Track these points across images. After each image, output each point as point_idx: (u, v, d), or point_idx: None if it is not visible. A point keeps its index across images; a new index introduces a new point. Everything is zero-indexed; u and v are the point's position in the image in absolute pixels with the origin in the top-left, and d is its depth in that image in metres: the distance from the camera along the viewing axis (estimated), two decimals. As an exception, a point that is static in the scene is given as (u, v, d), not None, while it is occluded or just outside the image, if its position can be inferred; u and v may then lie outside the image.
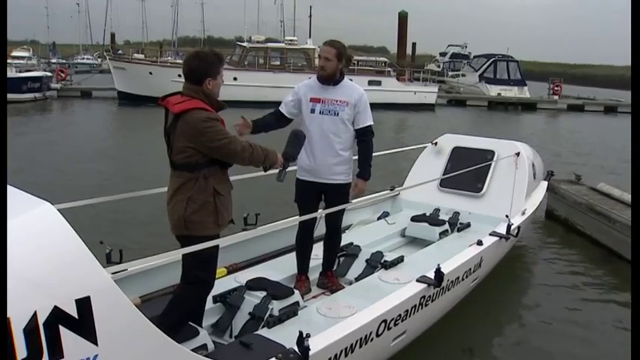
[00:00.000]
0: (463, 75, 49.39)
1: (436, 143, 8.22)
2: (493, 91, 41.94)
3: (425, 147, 8.37)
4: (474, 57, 52.70)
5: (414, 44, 75.19)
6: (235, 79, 30.07)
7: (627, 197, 9.06)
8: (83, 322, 2.45)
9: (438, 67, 61.98)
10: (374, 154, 5.21)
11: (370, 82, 31.50)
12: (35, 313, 2.30)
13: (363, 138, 5.07)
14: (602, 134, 25.97)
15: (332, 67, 4.89)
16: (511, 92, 41.82)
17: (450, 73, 55.09)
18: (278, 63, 34.85)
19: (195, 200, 3.66)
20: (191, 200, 3.66)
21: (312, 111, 4.96)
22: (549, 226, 9.82)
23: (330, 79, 4.94)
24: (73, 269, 2.47)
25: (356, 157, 5.15)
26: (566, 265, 8.04)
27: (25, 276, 2.30)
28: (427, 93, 36.98)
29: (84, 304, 2.45)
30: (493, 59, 44.22)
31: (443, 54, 71.25)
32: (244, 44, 35.67)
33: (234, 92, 26.49)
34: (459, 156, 7.80)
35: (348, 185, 5.12)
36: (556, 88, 41.55)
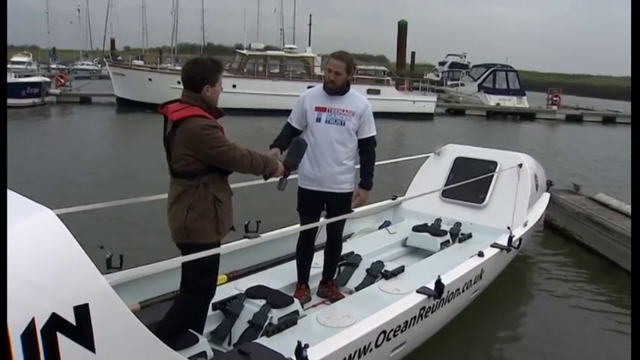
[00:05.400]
0: (462, 84, 49.35)
1: (439, 153, 8.20)
2: (492, 100, 41.89)
3: (427, 157, 8.37)
4: (473, 67, 52.68)
5: (413, 53, 75.52)
6: (234, 86, 30.03)
7: (625, 207, 9.08)
8: (81, 329, 2.44)
9: (437, 76, 61.98)
10: (377, 162, 5.23)
11: (369, 91, 31.29)
12: (33, 319, 2.28)
13: (366, 148, 5.08)
14: (601, 144, 26.00)
15: (342, 80, 4.90)
16: (510, 102, 41.81)
17: (449, 83, 55.04)
18: (277, 71, 34.83)
19: (196, 208, 3.65)
20: (191, 208, 3.65)
21: (318, 120, 4.94)
22: (548, 236, 9.80)
23: (338, 90, 4.94)
24: (71, 276, 2.45)
25: (358, 167, 5.15)
26: (564, 274, 8.04)
27: (24, 282, 2.28)
28: (426, 102, 36.88)
29: (82, 311, 2.44)
30: (492, 69, 44.20)
31: (442, 63, 71.28)
32: (244, 52, 35.56)
33: (234, 99, 26.45)
34: (462, 166, 7.77)
35: (351, 194, 5.11)
36: (555, 99, 41.51)
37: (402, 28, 59.98)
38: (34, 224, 2.44)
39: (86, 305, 2.45)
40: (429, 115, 36.06)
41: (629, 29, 4.02)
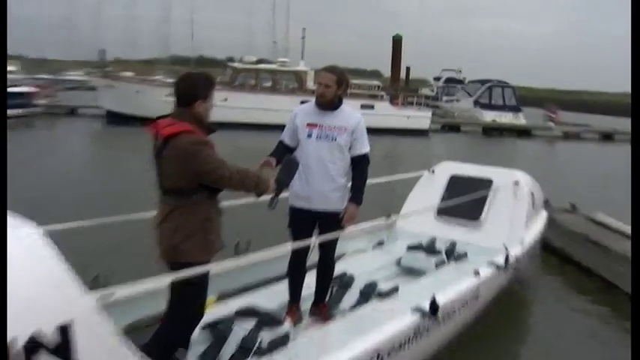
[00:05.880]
0: (457, 100, 49.45)
1: (433, 171, 8.12)
2: (488, 116, 41.93)
3: (422, 175, 8.27)
4: (469, 82, 52.91)
5: (407, 68, 75.33)
6: (226, 99, 29.63)
7: (623, 227, 8.97)
8: (64, 348, 2.38)
9: (432, 91, 62.11)
10: (371, 180, 5.13)
11: (363, 106, 30.98)
12: (15, 339, 2.21)
13: (359, 166, 4.97)
14: (599, 162, 26.01)
15: (332, 93, 4.82)
16: (506, 118, 41.89)
17: (445, 98, 55.09)
18: (269, 85, 34.67)
19: (185, 227, 3.58)
20: (180, 227, 3.58)
21: (309, 136, 4.86)
22: (544, 256, 9.65)
23: (328, 105, 4.85)
24: (55, 293, 2.40)
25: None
26: (562, 297, 7.96)
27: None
28: (421, 118, 36.69)
29: (66, 330, 2.38)
30: (488, 85, 44.38)
31: (437, 78, 71.28)
32: (235, 65, 35.32)
33: (224, 113, 26.05)
34: (457, 184, 7.71)
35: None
36: (552, 115, 41.46)
37: (397, 42, 59.81)
38: (18, 239, 2.39)
39: (70, 324, 2.39)
40: (424, 131, 35.78)
41: (628, 46, 3.98)
